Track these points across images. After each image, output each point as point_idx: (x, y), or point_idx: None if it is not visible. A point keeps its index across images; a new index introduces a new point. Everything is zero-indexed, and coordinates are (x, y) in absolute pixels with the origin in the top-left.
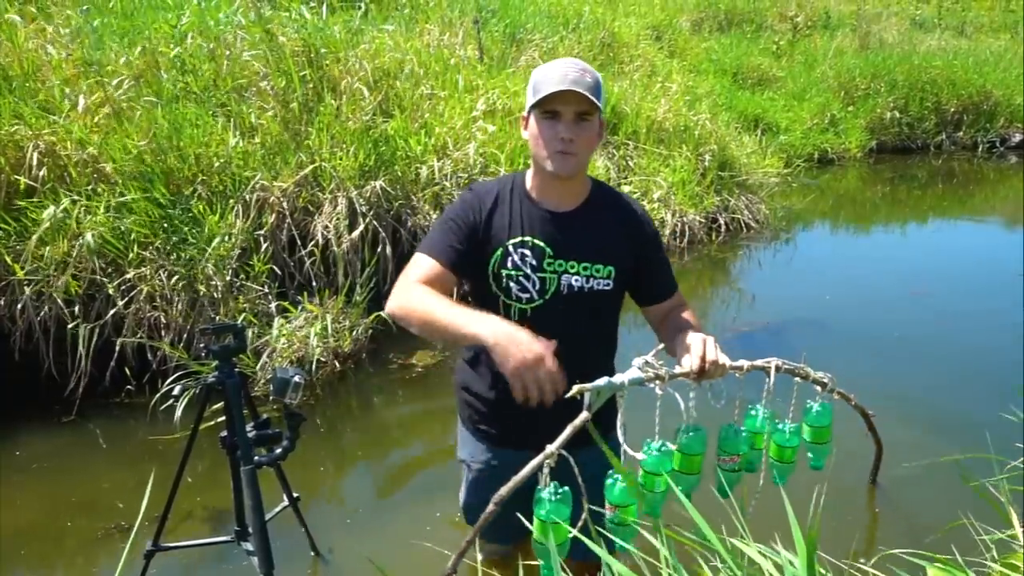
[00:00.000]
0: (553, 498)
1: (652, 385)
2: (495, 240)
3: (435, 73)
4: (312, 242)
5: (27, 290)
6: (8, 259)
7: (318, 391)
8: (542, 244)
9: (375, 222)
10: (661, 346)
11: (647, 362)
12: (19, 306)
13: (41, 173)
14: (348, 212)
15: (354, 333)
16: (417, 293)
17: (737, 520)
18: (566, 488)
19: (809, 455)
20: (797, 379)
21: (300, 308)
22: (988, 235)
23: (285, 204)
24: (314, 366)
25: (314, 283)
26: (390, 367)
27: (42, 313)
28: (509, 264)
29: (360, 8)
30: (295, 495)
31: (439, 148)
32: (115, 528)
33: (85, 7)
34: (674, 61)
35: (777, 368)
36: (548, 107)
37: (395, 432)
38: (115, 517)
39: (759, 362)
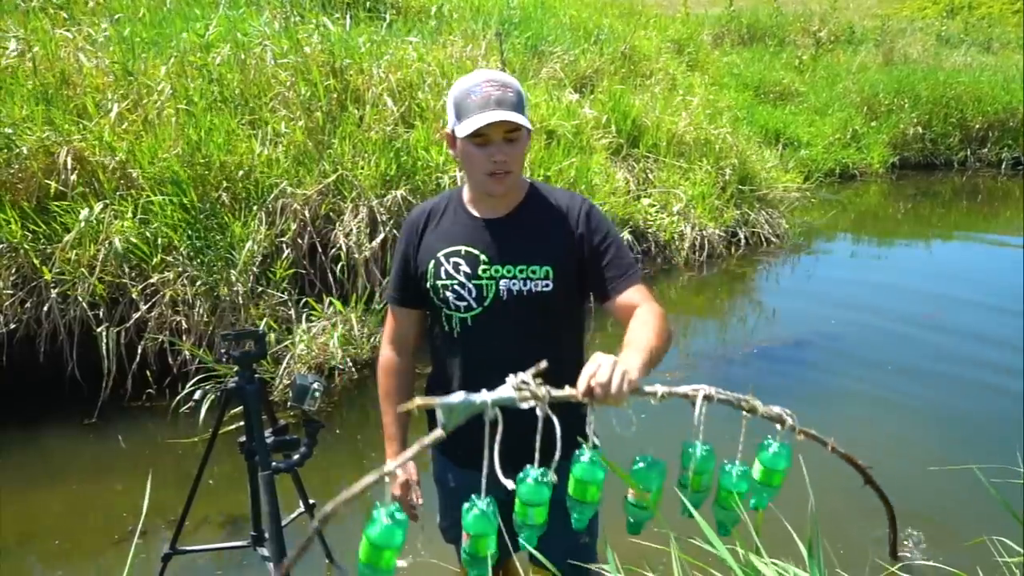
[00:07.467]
0: (389, 520)
1: (527, 406)
2: (428, 254)
3: None
4: (333, 250)
5: (53, 292)
6: (36, 261)
7: (336, 398)
8: (476, 252)
9: (395, 231)
10: (544, 364)
11: (524, 381)
12: (45, 308)
13: (72, 178)
14: (369, 221)
15: (373, 340)
16: (382, 386)
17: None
18: (405, 516)
19: (752, 497)
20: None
21: (319, 315)
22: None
23: (307, 212)
24: (333, 373)
25: (334, 290)
26: None
27: (67, 316)
28: (442, 274)
29: (385, 20)
30: (311, 502)
31: None
32: (132, 530)
33: (116, 16)
34: (695, 75)
35: (708, 398)
36: (476, 134)
37: (412, 441)
38: (133, 519)
39: (684, 389)
